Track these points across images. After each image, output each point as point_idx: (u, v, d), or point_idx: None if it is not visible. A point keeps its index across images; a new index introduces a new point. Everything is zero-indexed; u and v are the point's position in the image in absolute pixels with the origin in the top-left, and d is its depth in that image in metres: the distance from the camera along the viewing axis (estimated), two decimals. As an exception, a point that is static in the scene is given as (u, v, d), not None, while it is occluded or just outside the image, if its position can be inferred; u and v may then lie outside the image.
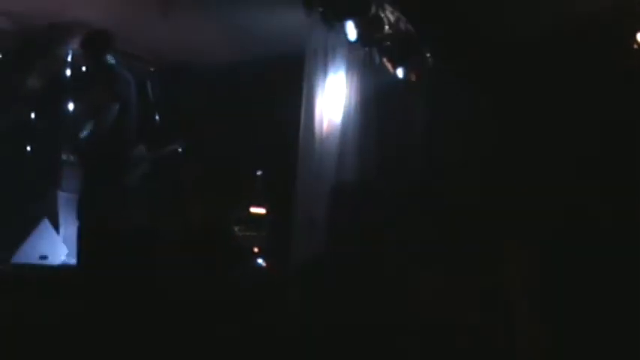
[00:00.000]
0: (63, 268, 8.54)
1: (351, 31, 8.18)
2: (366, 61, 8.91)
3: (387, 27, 8.34)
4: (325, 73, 8.42)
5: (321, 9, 7.68)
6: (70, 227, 9.02)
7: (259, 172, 9.89)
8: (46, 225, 9.15)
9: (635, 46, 8.29)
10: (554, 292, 6.48)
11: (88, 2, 9.03)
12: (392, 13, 8.39)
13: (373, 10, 7.97)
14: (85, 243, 7.68)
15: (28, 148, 10.01)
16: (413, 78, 9.21)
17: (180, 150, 10.37)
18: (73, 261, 8.64)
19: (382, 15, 8.22)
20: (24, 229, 8.96)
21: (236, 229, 9.27)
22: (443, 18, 8.57)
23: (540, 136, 8.86)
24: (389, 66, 9.04)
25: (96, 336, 5.87)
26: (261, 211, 9.72)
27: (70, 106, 9.95)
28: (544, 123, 8.87)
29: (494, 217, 8.38)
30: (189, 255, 6.82)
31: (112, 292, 6.24)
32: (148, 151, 10.02)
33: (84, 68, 10.30)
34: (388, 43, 8.73)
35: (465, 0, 8.20)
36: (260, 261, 8.95)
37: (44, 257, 8.80)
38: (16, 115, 9.73)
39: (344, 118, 8.61)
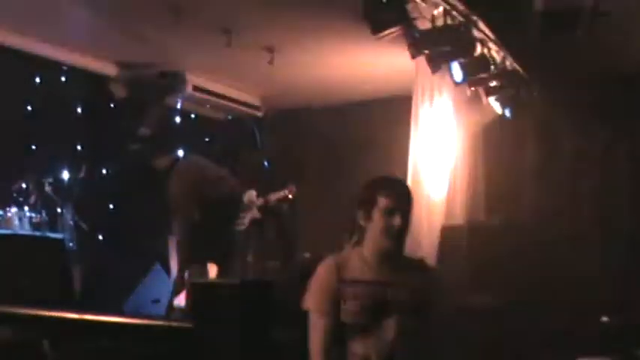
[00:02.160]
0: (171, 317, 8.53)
1: (456, 72, 8.14)
2: (473, 101, 8.89)
3: (492, 66, 8.28)
4: (432, 114, 8.42)
5: (426, 51, 7.66)
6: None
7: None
8: (158, 269, 9.28)
9: None
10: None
11: (197, 51, 9.21)
12: (497, 52, 8.33)
13: (478, 50, 7.91)
14: (193, 293, 7.71)
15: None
16: (520, 117, 9.12)
17: (290, 195, 10.44)
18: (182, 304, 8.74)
19: (487, 55, 8.17)
20: (137, 274, 9.11)
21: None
22: (550, 54, 8.47)
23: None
24: (496, 105, 8.99)
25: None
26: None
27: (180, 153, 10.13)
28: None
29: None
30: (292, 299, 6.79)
31: (224, 343, 6.23)
32: (258, 196, 10.12)
33: (193, 115, 10.51)
34: (494, 82, 8.68)
35: (573, 34, 8.07)
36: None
37: (156, 301, 8.89)
38: (128, 162, 9.92)
39: (452, 159, 8.59)
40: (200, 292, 6.80)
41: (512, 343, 6.87)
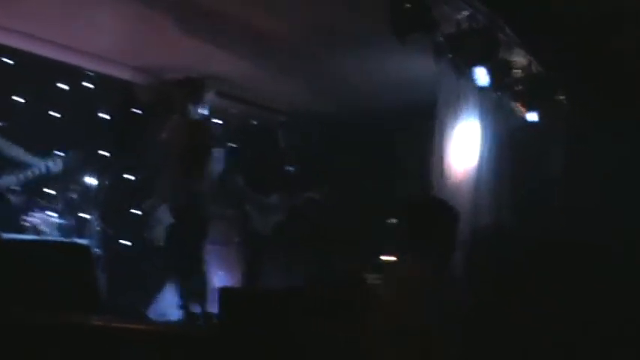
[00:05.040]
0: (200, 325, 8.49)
1: (481, 76, 8.09)
2: (497, 105, 8.85)
3: (517, 70, 8.25)
4: (457, 119, 8.39)
5: (450, 55, 7.64)
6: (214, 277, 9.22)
7: (392, 220, 9.85)
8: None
9: None
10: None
11: (220, 56, 9.22)
12: (523, 56, 8.30)
13: (502, 54, 7.89)
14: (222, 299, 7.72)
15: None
16: (546, 121, 9.06)
17: (315, 198, 10.42)
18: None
19: (512, 59, 8.14)
20: (162, 279, 9.11)
21: (368, 277, 9.23)
22: (576, 58, 8.42)
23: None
24: (521, 110, 8.94)
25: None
26: (392, 259, 9.64)
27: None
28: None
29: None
30: (326, 306, 6.78)
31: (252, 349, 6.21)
32: (282, 200, 10.11)
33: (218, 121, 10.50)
34: (519, 86, 8.64)
35: (600, 37, 8.01)
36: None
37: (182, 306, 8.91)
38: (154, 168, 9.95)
39: (477, 163, 8.56)
40: (229, 299, 6.81)
41: None
